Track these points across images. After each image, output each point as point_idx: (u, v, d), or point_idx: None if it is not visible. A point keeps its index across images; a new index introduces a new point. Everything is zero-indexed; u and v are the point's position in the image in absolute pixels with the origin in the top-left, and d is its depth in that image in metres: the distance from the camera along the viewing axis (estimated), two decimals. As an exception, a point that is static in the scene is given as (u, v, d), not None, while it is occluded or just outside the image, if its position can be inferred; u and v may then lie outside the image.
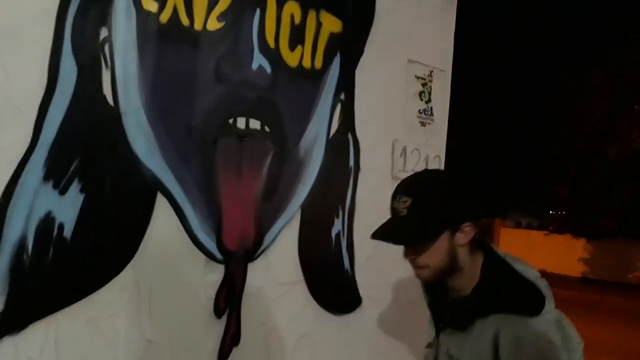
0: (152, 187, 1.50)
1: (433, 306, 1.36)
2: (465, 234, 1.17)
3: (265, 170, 1.78)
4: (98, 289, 1.38)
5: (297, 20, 1.87)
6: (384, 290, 2.21)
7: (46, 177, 1.29)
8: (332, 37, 2.00)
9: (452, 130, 2.61)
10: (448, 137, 2.58)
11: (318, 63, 1.96)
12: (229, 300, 1.69)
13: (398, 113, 2.29)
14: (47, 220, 1.29)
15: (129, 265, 1.44)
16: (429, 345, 1.44)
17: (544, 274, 1.26)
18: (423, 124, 2.40)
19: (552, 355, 1.12)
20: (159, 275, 1.52)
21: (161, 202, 1.52)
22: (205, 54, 1.61)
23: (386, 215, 2.23)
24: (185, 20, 1.56)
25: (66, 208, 1.33)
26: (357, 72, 2.11)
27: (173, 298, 1.55)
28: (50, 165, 1.30)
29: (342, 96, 2.07)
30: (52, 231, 1.30)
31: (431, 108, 2.45)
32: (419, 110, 2.38)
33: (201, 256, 1.62)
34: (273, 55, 1.80)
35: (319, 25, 1.95)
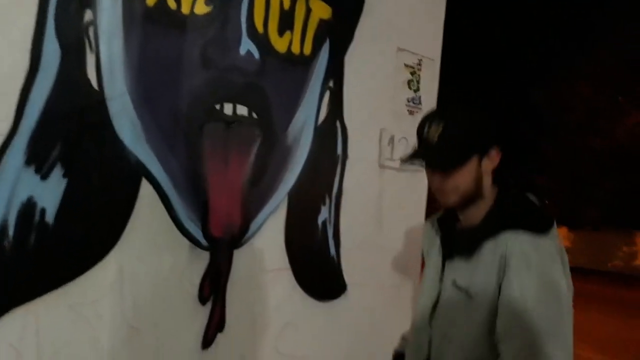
0: (137, 173, 1.48)
1: (443, 240, 1.35)
2: (491, 160, 1.22)
3: (252, 157, 1.77)
4: (80, 275, 1.37)
5: (287, 5, 1.85)
6: (368, 276, 2.22)
7: (28, 162, 1.27)
8: (322, 23, 1.97)
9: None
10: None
11: (307, 49, 1.94)
12: (213, 287, 1.68)
13: (386, 101, 2.28)
14: (29, 205, 1.27)
15: (112, 251, 1.43)
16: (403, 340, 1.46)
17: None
18: (411, 113, 2.39)
19: (554, 273, 1.13)
20: (143, 261, 1.51)
21: (146, 188, 1.50)
22: (192, 38, 1.58)
23: (373, 204, 2.26)
24: (172, 4, 1.52)
25: (48, 193, 1.30)
26: (346, 59, 2.09)
27: (157, 284, 1.54)
28: (33, 149, 1.27)
29: (331, 83, 2.05)
30: (34, 216, 1.28)
31: (419, 97, 2.44)
32: (408, 98, 2.37)
33: (186, 243, 1.60)
34: (261, 41, 1.78)
35: (308, 11, 1.93)
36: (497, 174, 1.25)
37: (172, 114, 1.55)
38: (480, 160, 1.20)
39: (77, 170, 1.35)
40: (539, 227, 1.17)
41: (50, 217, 1.30)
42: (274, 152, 1.84)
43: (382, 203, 2.24)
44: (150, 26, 1.48)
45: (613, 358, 4.63)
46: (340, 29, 2.07)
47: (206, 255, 1.66)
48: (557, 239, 1.20)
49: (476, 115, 1.24)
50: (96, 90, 1.38)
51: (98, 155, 1.40)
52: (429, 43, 2.47)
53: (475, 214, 1.24)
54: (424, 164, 1.25)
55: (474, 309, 1.16)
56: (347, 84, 2.12)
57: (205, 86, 1.62)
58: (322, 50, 2.00)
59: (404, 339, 1.50)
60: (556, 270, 1.14)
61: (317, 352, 2.02)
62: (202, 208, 1.64)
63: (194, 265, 1.63)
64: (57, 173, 1.32)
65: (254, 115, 1.76)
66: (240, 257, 1.75)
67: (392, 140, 2.28)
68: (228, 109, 1.69)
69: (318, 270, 2.04)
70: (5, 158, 1.22)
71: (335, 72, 2.06)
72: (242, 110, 1.73)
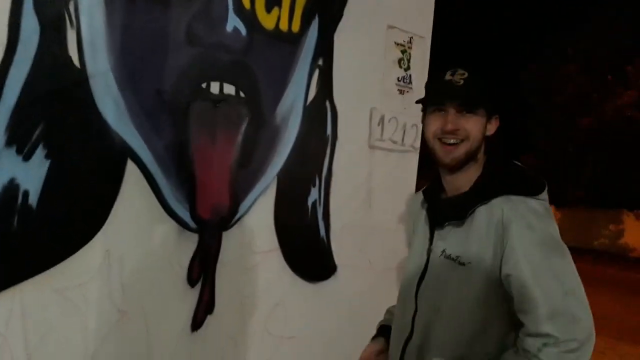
0: (122, 153, 1.45)
1: (430, 210, 1.32)
2: (492, 125, 1.24)
3: (240, 137, 1.75)
4: (66, 258, 1.35)
5: (274, -20, 1.81)
6: (358, 257, 2.23)
7: (9, 142, 1.23)
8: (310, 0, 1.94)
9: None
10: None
11: (295, 26, 1.91)
12: (202, 269, 1.67)
13: (376, 80, 2.26)
14: (11, 187, 1.24)
15: (98, 234, 1.41)
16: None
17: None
18: (401, 92, 2.38)
19: (554, 232, 1.14)
20: (131, 244, 1.49)
21: (132, 169, 1.48)
22: (176, 14, 1.54)
23: (363, 185, 2.25)
24: (155, -23, 1.48)
25: (31, 174, 1.28)
26: (336, 37, 2.06)
27: (145, 267, 1.53)
28: (13, 129, 1.24)
29: (320, 62, 2.02)
30: (17, 198, 1.25)
31: (410, 76, 2.42)
32: (398, 77, 2.36)
33: (174, 225, 1.59)
34: (248, 17, 1.74)
35: (296, -14, 1.89)
36: (488, 143, 1.27)
37: (157, 93, 1.52)
38: (487, 120, 1.23)
39: (60, 151, 1.32)
40: (533, 190, 1.18)
41: (33, 200, 1.28)
42: (262, 133, 1.82)
43: (372, 184, 2.24)
44: (133, 1, 1.44)
45: (608, 337, 4.74)
46: (329, 5, 2.03)
47: (195, 237, 1.65)
48: (547, 202, 1.20)
49: (493, 77, 1.27)
50: (78, 67, 1.34)
51: (81, 135, 1.37)
52: (419, 21, 2.45)
53: (464, 180, 1.23)
54: (441, 104, 1.22)
55: (467, 277, 1.15)
56: (337, 63, 2.09)
57: (190, 64, 1.59)
58: (311, 27, 1.97)
59: (389, 312, 1.50)
60: (556, 229, 1.15)
61: (306, 333, 2.04)
62: (189, 189, 1.62)
63: (183, 247, 1.62)
64: (39, 154, 1.29)
65: (242, 94, 1.74)
66: (229, 238, 1.74)
67: (382, 120, 2.27)
68: (215, 87, 1.66)
69: (308, 252, 2.04)
70: (-16, 139, 1.19)
71: (325, 50, 2.04)
72: (229, 89, 1.70)
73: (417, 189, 2.55)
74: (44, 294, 1.31)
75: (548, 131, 14.02)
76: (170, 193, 1.57)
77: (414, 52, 2.40)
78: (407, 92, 2.41)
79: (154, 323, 1.56)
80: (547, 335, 1.03)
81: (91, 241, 1.40)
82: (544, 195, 1.19)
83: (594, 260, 11.29)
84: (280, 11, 1.84)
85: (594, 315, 1.07)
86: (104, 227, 1.42)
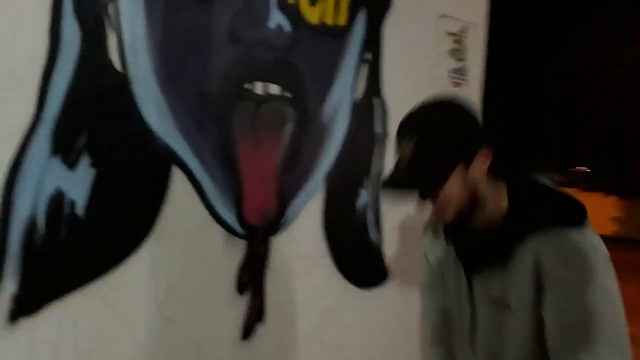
0: (167, 158, 1.43)
1: (458, 251, 1.16)
2: (480, 164, 1.03)
3: (286, 138, 1.69)
4: (114, 268, 1.34)
5: (318, -28, 1.74)
6: (412, 261, 2.14)
7: (54, 152, 1.23)
8: (357, -10, 1.86)
9: (489, 91, 2.47)
10: (483, 98, 2.44)
11: (342, 19, 1.83)
12: (251, 275, 1.63)
13: (429, 73, 2.15)
14: (58, 197, 1.24)
15: (145, 242, 1.39)
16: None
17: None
18: (456, 85, 2.26)
19: (599, 271, 0.97)
20: (178, 251, 1.47)
21: (177, 175, 1.45)
22: (218, 12, 1.50)
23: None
24: (195, -25, 1.45)
25: (77, 184, 1.27)
26: (384, 29, 1.97)
27: (193, 275, 1.50)
28: (57, 138, 1.23)
29: (368, 55, 1.94)
30: (63, 208, 1.25)
31: (465, 67, 2.30)
32: (452, 69, 2.24)
33: (221, 231, 1.55)
34: (292, 12, 1.68)
35: (342, -23, 1.82)
36: (495, 166, 1.06)
37: (201, 95, 1.48)
38: (467, 168, 1.02)
39: (105, 158, 1.31)
40: (571, 219, 1.01)
41: (80, 209, 1.27)
42: (308, 133, 1.76)
43: (426, 183, 2.13)
44: (174, 1, 1.41)
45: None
46: (376, -4, 1.95)
47: (242, 244, 1.61)
48: (590, 228, 1.03)
49: (453, 118, 1.04)
50: (119, 72, 1.33)
51: (125, 141, 1.35)
52: (473, 8, 2.32)
53: (488, 217, 1.07)
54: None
55: (516, 321, 1.04)
56: (386, 56, 2.00)
57: (233, 64, 1.54)
58: (358, 19, 1.89)
59: None
60: (602, 267, 0.98)
61: (358, 341, 1.97)
62: (236, 194, 1.58)
63: (230, 254, 1.58)
64: (84, 162, 1.28)
65: (287, 93, 1.68)
66: (277, 244, 1.69)
67: (435, 114, 2.16)
68: (259, 88, 1.61)
69: (358, 256, 1.97)
70: (30, 149, 1.18)
71: (373, 43, 1.95)
72: (273, 88, 1.65)
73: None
74: (94, 305, 1.30)
75: (608, 119, 13.30)
76: (216, 198, 1.54)
77: (469, 42, 2.28)
78: (463, 84, 2.29)
79: (203, 332, 1.53)
80: None
81: (138, 250, 1.38)
82: (586, 223, 1.02)
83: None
84: (325, 4, 1.77)
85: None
86: (150, 235, 1.40)
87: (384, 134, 2.01)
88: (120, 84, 1.33)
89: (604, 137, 13.47)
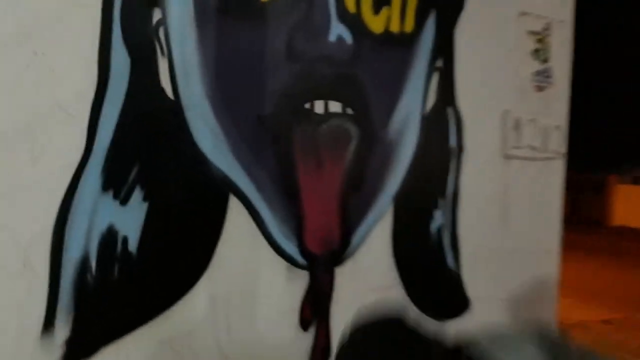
0: (223, 187, 1.36)
1: None
2: None
3: (349, 159, 1.57)
4: (170, 306, 1.28)
5: (382, -23, 1.61)
6: (496, 288, 1.94)
7: (105, 187, 1.19)
8: (425, -7, 1.71)
9: (577, 94, 2.22)
10: (572, 102, 2.20)
11: (408, 26, 1.69)
12: (315, 309, 1.52)
13: (508, 77, 1.95)
14: (110, 234, 1.19)
15: (202, 278, 1.32)
16: None
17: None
18: (540, 89, 2.04)
19: None
20: (237, 286, 1.39)
21: (234, 205, 1.38)
22: (273, 28, 1.41)
23: (498, 202, 1.95)
24: (248, -9, 1.37)
25: (129, 219, 1.22)
26: (457, 32, 1.81)
27: (253, 311, 1.42)
28: (109, 172, 1.19)
29: (439, 63, 1.78)
30: (116, 246, 1.21)
31: (549, 68, 2.07)
32: (535, 72, 2.03)
33: (282, 262, 1.46)
34: (354, 22, 1.56)
35: (407, -20, 1.68)
36: None
37: (258, 118, 1.40)
38: None
39: (158, 190, 1.26)
40: None
41: (133, 246, 1.22)
42: (374, 151, 1.63)
43: (509, 200, 1.93)
44: (226, 19, 1.33)
45: None
46: (447, -2, 1.79)
47: (305, 275, 1.50)
48: None
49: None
50: (171, 99, 1.27)
51: (179, 171, 1.29)
52: (557, 3, 2.09)
53: None
54: None
55: None
56: (460, 62, 1.83)
57: (292, 83, 1.45)
58: (427, 25, 1.74)
59: None
60: None
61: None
62: (296, 222, 1.48)
63: (293, 286, 1.48)
64: (136, 196, 1.23)
65: (349, 110, 1.56)
66: (343, 274, 1.57)
67: (517, 123, 1.96)
68: (319, 107, 1.50)
69: (434, 285, 1.80)
70: (81, 184, 1.15)
71: (444, 49, 1.79)
72: (335, 106, 1.53)
73: (565, 205, 2.18)
74: (149, 346, 1.24)
75: None
76: (276, 227, 1.45)
77: (553, 41, 2.05)
78: (547, 87, 2.07)
79: (265, 373, 1.45)
80: None
81: (195, 286, 1.31)
82: None
83: None
84: (390, 11, 1.63)
85: None
86: (207, 270, 1.33)
87: (460, 148, 1.84)
88: (173, 111, 1.27)
89: None
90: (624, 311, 3.45)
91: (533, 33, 1.99)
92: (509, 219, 1.95)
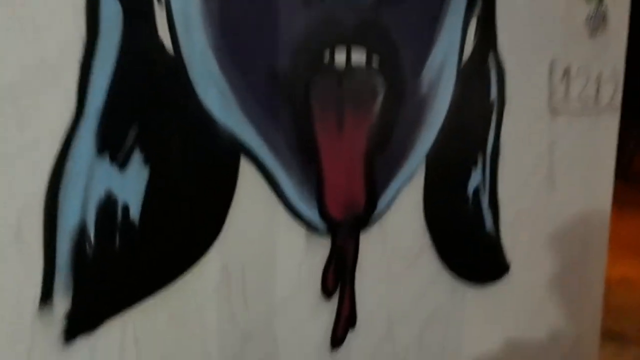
0: (233, 149, 1.17)
1: None
2: None
3: (375, 115, 1.36)
4: (179, 278, 1.13)
5: None
6: (537, 254, 1.71)
7: (100, 150, 1.03)
8: None
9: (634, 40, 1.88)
10: (628, 48, 1.87)
11: (442, -37, 1.42)
12: (339, 278, 1.35)
13: (557, 22, 1.65)
14: (108, 202, 1.04)
15: (213, 247, 1.16)
16: None
17: None
18: (592, 34, 1.73)
19: None
20: (252, 255, 1.23)
21: (246, 168, 1.20)
22: (287, -32, 1.20)
23: (543, 161, 1.70)
24: None
25: (129, 185, 1.06)
26: (499, -28, 1.52)
27: (271, 281, 1.26)
28: (104, 134, 1.02)
29: (478, 7, 1.51)
30: (116, 214, 1.06)
31: (603, 11, 1.75)
32: (587, 16, 1.71)
33: (301, 228, 1.29)
34: (379, -40, 1.32)
35: None
36: None
37: (269, 71, 1.20)
38: None
39: (160, 153, 1.09)
40: None
41: (135, 214, 1.07)
42: (403, 106, 1.40)
43: (555, 159, 1.66)
44: (232, -41, 1.13)
45: None
46: None
47: (327, 242, 1.33)
48: None
49: None
50: (171, 54, 1.09)
51: (183, 132, 1.11)
52: None
53: None
54: None
55: None
56: (501, 5, 1.55)
57: (308, 32, 1.22)
58: (464, -39, 1.46)
59: None
60: None
61: (472, 349, 1.62)
62: (317, 185, 1.29)
63: (313, 254, 1.31)
64: (136, 160, 1.07)
65: (375, 62, 1.33)
66: (368, 240, 1.38)
67: (566, 73, 1.66)
68: (340, 55, 1.28)
69: (471, 249, 1.59)
70: (74, 149, 0.99)
71: (484, -10, 1.51)
72: (358, 56, 1.31)
73: (617, 162, 1.90)
74: (158, 320, 1.11)
75: None
76: (293, 192, 1.26)
77: (612, -25, 1.72)
78: (601, 32, 1.75)
79: (286, 344, 1.29)
80: None
81: (206, 256, 1.16)
82: None
83: None
84: (421, -54, 1.37)
85: None
86: (219, 239, 1.17)
87: (501, 100, 1.59)
88: (173, 67, 1.08)
89: None
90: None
91: (587, -32, 1.67)
92: (556, 179, 1.69)
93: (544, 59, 1.62)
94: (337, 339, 1.38)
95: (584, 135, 1.71)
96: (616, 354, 2.46)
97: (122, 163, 1.05)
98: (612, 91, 1.78)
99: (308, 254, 1.30)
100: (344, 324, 1.38)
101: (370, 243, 1.38)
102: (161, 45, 1.08)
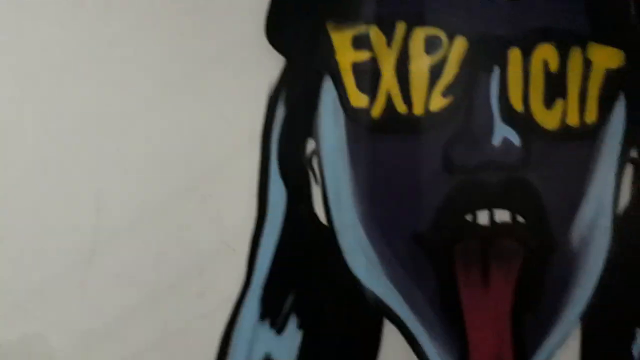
0: (377, 312, 1.31)
1: None
2: None
3: (522, 273, 1.41)
4: None
5: (554, 66, 1.44)
6: None
7: (262, 317, 1.24)
8: (610, 75, 1.48)
9: None
10: None
11: (590, 116, 1.47)
12: None
13: None
14: (267, 364, 1.24)
15: (357, 408, 1.29)
16: None
17: None
18: None
19: None
20: (394, 418, 1.32)
21: (390, 331, 1.33)
22: (429, 141, 1.35)
23: None
24: (401, 107, 1.33)
25: (284, 348, 1.24)
26: (655, 114, 1.53)
27: None
28: (266, 302, 1.24)
29: (634, 153, 1.52)
30: (273, 375, 1.24)
31: None
32: None
33: (444, 393, 1.35)
34: (522, 121, 1.41)
35: (587, 64, 1.48)
36: None
37: (414, 236, 1.34)
38: None
39: (312, 318, 1.26)
40: None
41: (288, 375, 1.25)
42: (553, 263, 1.44)
43: None
44: (378, 140, 1.31)
45: None
46: (639, 75, 1.54)
47: (471, 408, 1.37)
48: None
49: None
50: (325, 225, 1.29)
51: (332, 297, 1.28)
52: None
53: None
54: None
55: None
56: (660, 148, 1.54)
57: (450, 196, 1.36)
58: (615, 111, 1.49)
59: None
60: None
61: None
62: (460, 348, 1.36)
63: (457, 419, 1.36)
64: (292, 325, 1.25)
65: (520, 219, 1.41)
66: (518, 408, 1.39)
67: None
68: (483, 217, 1.39)
69: (640, 423, 1.49)
70: (241, 316, 1.22)
71: (639, 136, 1.53)
72: (502, 215, 1.40)
73: None
74: None
75: None
76: (435, 354, 1.34)
77: None
78: None
79: None
80: None
81: (349, 417, 1.28)
82: None
83: None
84: (566, 103, 1.45)
85: None
86: (362, 400, 1.29)
87: (669, 252, 1.53)
88: (326, 237, 1.29)
89: None
90: None
91: None
92: None
93: None
94: None
95: None
96: None
97: (280, 328, 1.24)
98: None
99: (451, 420, 1.34)
100: None
101: (519, 411, 1.38)
102: (316, 218, 1.29)
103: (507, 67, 1.40)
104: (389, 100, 1.32)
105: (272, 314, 1.24)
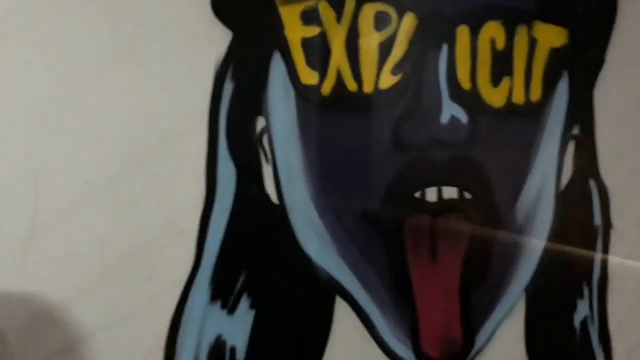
0: (330, 290, 1.38)
1: None
2: None
3: (470, 249, 1.52)
4: (278, 418, 1.34)
5: (501, 44, 1.54)
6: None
7: (213, 298, 1.29)
8: (554, 54, 1.60)
9: None
10: None
11: (535, 94, 1.59)
12: (435, 418, 1.48)
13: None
14: (218, 346, 1.28)
15: (310, 386, 1.37)
16: None
17: None
18: None
19: None
20: (347, 394, 1.41)
21: (341, 307, 1.40)
22: (379, 119, 1.43)
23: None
24: (352, 85, 1.40)
25: (236, 329, 1.30)
26: (596, 93, 1.67)
27: (365, 420, 1.43)
28: (217, 283, 1.29)
29: (576, 130, 1.65)
30: (224, 356, 1.30)
31: None
32: None
33: (396, 367, 1.45)
34: (470, 99, 1.51)
35: (533, 43, 1.59)
36: None
37: (364, 214, 1.43)
38: None
39: (264, 298, 1.32)
40: None
41: (240, 356, 1.30)
42: (499, 238, 1.56)
43: (675, 288, 1.71)
44: (329, 118, 1.38)
45: None
46: (583, 54, 1.66)
47: (422, 381, 1.48)
48: None
49: None
50: (276, 204, 1.35)
51: (284, 276, 1.35)
52: None
53: None
54: None
55: None
56: (602, 126, 1.68)
57: (400, 174, 1.44)
58: (558, 90, 1.62)
59: None
60: None
61: None
62: (410, 323, 1.46)
63: (408, 393, 1.47)
64: (243, 305, 1.31)
65: (468, 196, 1.52)
66: (467, 379, 1.51)
67: (681, 193, 1.74)
68: (431, 194, 1.48)
69: (581, 389, 1.65)
70: (191, 298, 1.26)
71: (581, 114, 1.65)
72: (450, 192, 1.50)
73: None
74: None
75: None
76: (388, 330, 1.43)
77: None
78: None
79: None
80: None
81: (303, 395, 1.36)
82: None
83: None
84: (512, 81, 1.56)
85: None
86: (315, 377, 1.37)
87: (607, 226, 1.68)
88: (277, 216, 1.35)
89: None
90: None
91: (699, 82, 1.77)
92: (678, 308, 1.72)
93: (655, 180, 1.70)
94: None
95: None
96: None
97: (231, 308, 1.30)
98: None
99: (403, 393, 1.45)
100: None
101: (468, 382, 1.50)
102: (268, 198, 1.34)
103: (456, 44, 1.49)
104: (339, 78, 1.38)
105: (224, 295, 1.29)
